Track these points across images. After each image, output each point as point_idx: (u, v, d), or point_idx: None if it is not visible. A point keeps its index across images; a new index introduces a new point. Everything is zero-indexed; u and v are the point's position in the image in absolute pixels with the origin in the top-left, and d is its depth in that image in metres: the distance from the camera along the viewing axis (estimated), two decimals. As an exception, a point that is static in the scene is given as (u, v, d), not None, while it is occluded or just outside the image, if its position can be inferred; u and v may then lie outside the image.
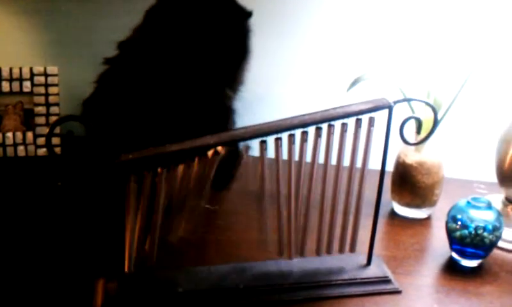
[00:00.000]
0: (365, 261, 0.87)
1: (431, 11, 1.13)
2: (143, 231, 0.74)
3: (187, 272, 0.83)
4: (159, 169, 0.73)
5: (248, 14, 0.93)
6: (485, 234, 0.88)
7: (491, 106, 1.16)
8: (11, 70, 1.15)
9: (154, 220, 0.74)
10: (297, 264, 0.84)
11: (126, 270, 0.75)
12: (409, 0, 1.15)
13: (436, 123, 0.82)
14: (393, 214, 1.06)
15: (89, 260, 0.86)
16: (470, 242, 0.89)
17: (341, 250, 0.84)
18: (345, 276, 0.84)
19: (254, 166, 0.79)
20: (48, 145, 0.71)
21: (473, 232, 0.88)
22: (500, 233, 0.90)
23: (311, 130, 0.77)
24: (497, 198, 1.03)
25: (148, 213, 0.73)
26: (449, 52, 1.06)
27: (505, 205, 1.02)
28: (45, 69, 1.16)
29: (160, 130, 0.86)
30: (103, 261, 0.85)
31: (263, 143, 0.75)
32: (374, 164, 0.83)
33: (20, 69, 1.15)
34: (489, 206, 0.90)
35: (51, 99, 1.17)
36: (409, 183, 1.02)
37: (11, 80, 1.15)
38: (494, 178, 1.06)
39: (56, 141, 1.17)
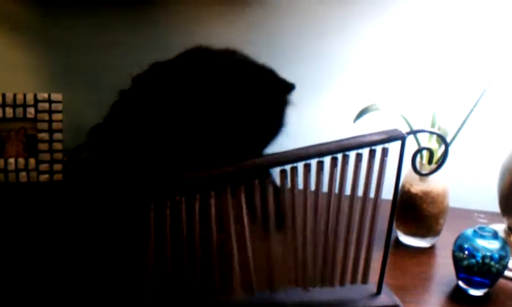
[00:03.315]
0: (374, 290, 0.87)
1: (433, 41, 1.16)
2: (163, 259, 0.74)
3: (201, 302, 0.82)
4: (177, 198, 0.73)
5: (290, 87, 0.85)
6: (492, 263, 0.89)
7: (491, 135, 1.19)
8: (15, 95, 1.15)
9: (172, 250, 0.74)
10: (309, 293, 0.84)
11: (147, 295, 0.75)
12: (411, 31, 1.17)
13: (446, 153, 0.83)
14: (397, 243, 1.07)
15: (99, 287, 0.85)
16: (477, 271, 0.90)
17: (353, 281, 0.84)
18: (357, 305, 0.84)
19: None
20: (67, 171, 0.71)
21: (480, 261, 0.90)
22: (507, 262, 0.91)
23: (325, 160, 0.78)
24: (498, 228, 1.05)
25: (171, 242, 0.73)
26: (452, 83, 1.09)
27: (507, 235, 1.04)
28: (49, 95, 1.16)
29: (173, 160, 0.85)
30: (115, 290, 0.84)
31: (283, 172, 0.76)
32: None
33: (24, 95, 1.15)
34: (495, 236, 0.91)
35: (54, 125, 1.16)
36: (415, 212, 1.03)
37: (14, 106, 1.15)
38: (492, 208, 1.08)
39: (57, 167, 1.16)
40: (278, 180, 0.78)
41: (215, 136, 0.79)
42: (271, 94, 0.82)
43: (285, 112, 0.83)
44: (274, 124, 0.82)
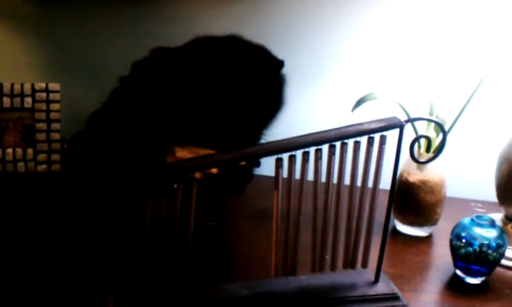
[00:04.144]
0: (373, 278, 0.88)
1: (431, 30, 1.16)
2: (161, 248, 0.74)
3: (199, 290, 0.83)
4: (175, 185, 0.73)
5: (280, 63, 0.90)
6: (489, 251, 0.90)
7: (489, 124, 1.19)
8: (12, 85, 1.14)
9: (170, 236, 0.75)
10: (307, 281, 0.85)
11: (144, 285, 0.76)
12: (409, 20, 1.17)
13: (444, 142, 0.84)
14: (395, 232, 1.07)
15: (98, 277, 0.85)
16: (474, 260, 0.90)
17: (352, 265, 0.84)
18: (355, 293, 0.84)
19: (259, 183, 0.79)
20: (65, 161, 0.71)
21: (477, 249, 0.90)
22: (504, 251, 0.91)
23: (324, 148, 0.78)
24: (496, 217, 1.05)
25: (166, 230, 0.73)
26: (450, 72, 1.09)
27: (504, 223, 1.04)
28: (46, 85, 1.16)
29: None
30: (113, 278, 0.84)
31: (279, 160, 0.76)
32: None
33: (22, 85, 1.15)
34: (492, 224, 0.91)
35: (52, 115, 1.16)
36: (412, 201, 1.03)
37: (12, 95, 1.15)
38: (489, 197, 1.08)
39: (55, 157, 1.16)
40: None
41: (213, 119, 0.80)
42: (261, 70, 0.83)
43: (281, 90, 0.84)
44: (270, 100, 0.83)
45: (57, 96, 1.16)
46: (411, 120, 0.82)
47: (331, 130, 0.77)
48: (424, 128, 1.04)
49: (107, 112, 0.91)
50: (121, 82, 0.91)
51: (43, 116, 1.16)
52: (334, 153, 0.78)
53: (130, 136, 0.85)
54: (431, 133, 1.04)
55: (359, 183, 0.81)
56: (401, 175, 1.05)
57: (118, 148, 0.87)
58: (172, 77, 0.85)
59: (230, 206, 1.06)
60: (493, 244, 0.90)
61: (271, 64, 0.86)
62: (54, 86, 1.16)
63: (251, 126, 0.79)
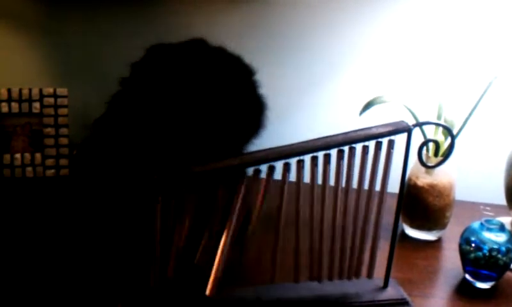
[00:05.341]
0: (381, 284, 0.87)
1: (439, 33, 1.15)
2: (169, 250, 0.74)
3: (205, 297, 0.83)
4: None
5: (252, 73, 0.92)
6: (499, 256, 0.89)
7: (498, 127, 1.18)
8: (20, 90, 1.15)
9: (177, 241, 0.75)
10: (315, 287, 0.84)
11: (151, 285, 0.75)
12: (417, 23, 1.17)
13: (452, 146, 0.83)
14: (404, 236, 1.06)
15: (106, 284, 0.85)
16: (484, 264, 0.90)
17: (357, 275, 0.84)
18: (364, 299, 0.84)
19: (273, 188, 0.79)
20: (74, 166, 0.71)
21: (487, 254, 0.89)
22: (514, 255, 0.91)
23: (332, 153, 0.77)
24: (505, 221, 1.04)
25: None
26: (459, 75, 1.08)
27: (514, 227, 1.04)
28: (54, 90, 1.16)
29: (174, 148, 0.86)
30: (121, 285, 0.84)
31: (286, 165, 0.75)
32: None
33: (30, 90, 1.15)
34: (502, 229, 0.91)
35: (60, 120, 1.17)
36: (421, 205, 1.03)
37: (20, 100, 1.15)
38: (499, 200, 1.07)
39: (63, 162, 1.17)
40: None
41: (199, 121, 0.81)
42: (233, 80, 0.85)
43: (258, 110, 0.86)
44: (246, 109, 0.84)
45: (65, 101, 1.17)
46: (419, 124, 0.81)
47: (339, 134, 0.77)
48: (432, 132, 1.04)
49: (111, 116, 0.91)
50: (122, 84, 0.92)
51: (51, 121, 1.16)
52: (342, 158, 0.78)
53: (135, 140, 0.85)
54: (440, 136, 1.03)
55: (367, 187, 0.81)
56: (410, 179, 1.04)
57: (124, 153, 0.87)
58: (171, 77, 0.86)
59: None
60: (503, 249, 0.89)
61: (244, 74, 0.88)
62: (62, 91, 1.16)
63: (229, 135, 0.81)
